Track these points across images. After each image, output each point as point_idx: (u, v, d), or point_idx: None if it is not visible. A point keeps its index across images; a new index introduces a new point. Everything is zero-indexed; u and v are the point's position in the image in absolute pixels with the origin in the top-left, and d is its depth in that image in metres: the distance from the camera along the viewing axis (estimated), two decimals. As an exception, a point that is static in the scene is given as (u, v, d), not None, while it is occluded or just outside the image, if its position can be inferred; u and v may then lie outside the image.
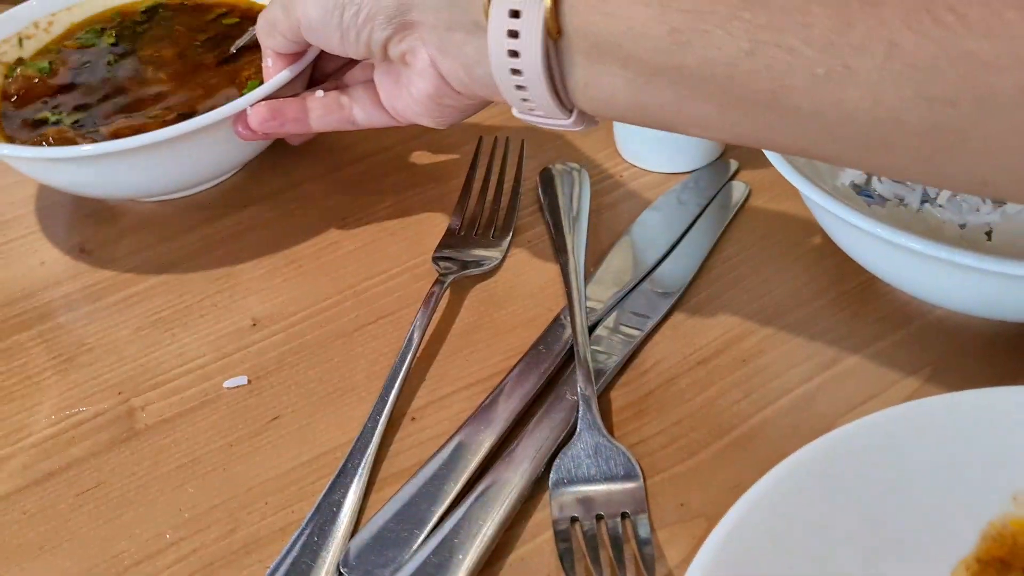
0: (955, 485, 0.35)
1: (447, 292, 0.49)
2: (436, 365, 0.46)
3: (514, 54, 0.37)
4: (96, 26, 0.63)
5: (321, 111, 0.50)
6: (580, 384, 0.42)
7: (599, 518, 0.38)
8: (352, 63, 0.52)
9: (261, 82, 0.53)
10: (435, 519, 0.38)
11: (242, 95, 0.52)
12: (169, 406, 0.45)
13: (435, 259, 0.50)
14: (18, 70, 0.59)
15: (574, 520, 0.38)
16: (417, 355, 0.45)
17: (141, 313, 0.50)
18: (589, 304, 0.47)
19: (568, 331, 0.45)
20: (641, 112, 0.37)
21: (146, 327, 0.49)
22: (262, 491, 0.41)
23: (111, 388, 0.46)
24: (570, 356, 0.44)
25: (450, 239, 0.52)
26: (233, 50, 0.59)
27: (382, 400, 0.43)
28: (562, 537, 0.37)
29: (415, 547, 0.37)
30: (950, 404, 0.37)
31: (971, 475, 0.35)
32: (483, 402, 0.43)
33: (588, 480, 0.39)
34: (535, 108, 0.39)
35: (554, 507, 0.38)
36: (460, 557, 0.37)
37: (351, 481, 0.40)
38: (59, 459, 0.43)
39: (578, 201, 0.53)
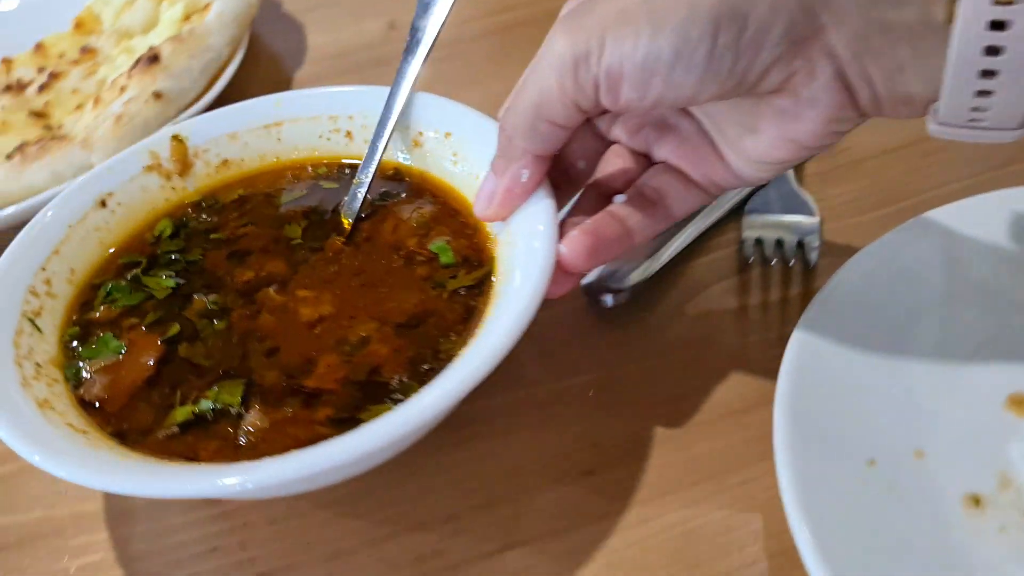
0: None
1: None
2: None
3: (993, 51, 0.31)
4: (105, 279, 0.45)
5: (640, 217, 0.41)
6: (783, 150, 0.53)
7: (779, 242, 0.49)
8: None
9: (448, 243, 0.43)
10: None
11: (450, 265, 0.41)
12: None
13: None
14: (85, 368, 0.40)
15: (759, 241, 0.50)
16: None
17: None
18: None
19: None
20: None
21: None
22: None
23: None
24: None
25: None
26: (348, 224, 0.46)
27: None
28: (746, 244, 0.50)
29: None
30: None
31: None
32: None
33: (775, 212, 0.50)
34: (984, 119, 0.33)
35: (744, 228, 0.50)
36: (670, 247, 0.50)
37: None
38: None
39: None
